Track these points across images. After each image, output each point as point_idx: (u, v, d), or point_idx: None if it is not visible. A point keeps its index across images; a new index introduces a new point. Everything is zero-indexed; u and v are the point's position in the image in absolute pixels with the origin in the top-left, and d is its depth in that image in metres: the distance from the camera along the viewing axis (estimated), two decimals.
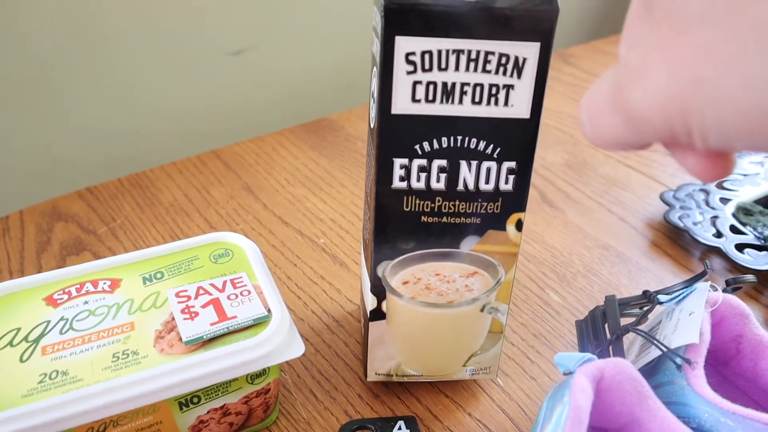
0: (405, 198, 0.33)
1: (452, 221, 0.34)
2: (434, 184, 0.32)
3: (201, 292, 0.35)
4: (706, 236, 0.52)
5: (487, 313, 0.37)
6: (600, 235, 0.55)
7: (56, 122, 0.63)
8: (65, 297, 0.36)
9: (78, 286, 0.36)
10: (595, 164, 0.66)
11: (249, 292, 0.35)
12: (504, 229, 0.34)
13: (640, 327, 0.36)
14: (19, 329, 0.34)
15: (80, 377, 0.31)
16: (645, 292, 0.37)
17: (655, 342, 0.32)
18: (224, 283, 0.36)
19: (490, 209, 0.33)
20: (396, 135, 0.31)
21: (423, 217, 0.33)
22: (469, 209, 0.33)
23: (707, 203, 0.57)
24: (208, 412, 0.34)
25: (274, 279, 0.47)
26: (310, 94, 0.79)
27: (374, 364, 0.39)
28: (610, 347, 0.35)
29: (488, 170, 0.32)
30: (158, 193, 0.59)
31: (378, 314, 0.36)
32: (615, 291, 0.49)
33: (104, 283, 0.36)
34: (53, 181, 0.66)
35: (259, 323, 0.34)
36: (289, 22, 0.73)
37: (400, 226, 0.34)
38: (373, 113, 0.33)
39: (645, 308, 0.37)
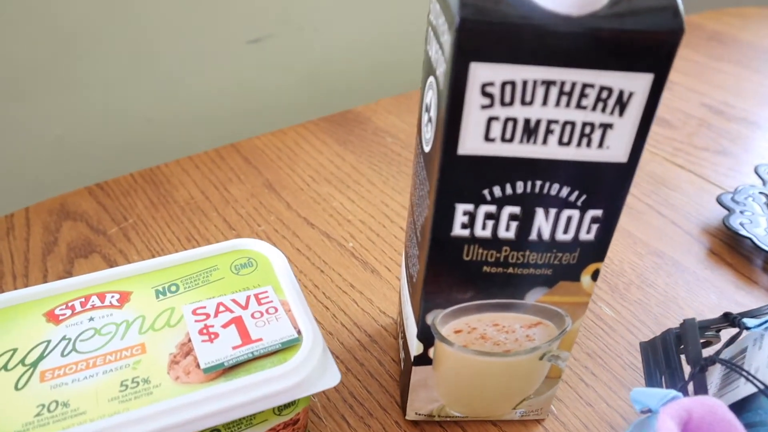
0: (466, 246, 0.28)
1: (519, 272, 0.29)
2: (502, 233, 0.27)
3: (221, 309, 0.31)
4: None
5: (547, 360, 0.32)
6: (652, 240, 0.51)
7: (65, 114, 0.59)
8: (68, 312, 0.31)
9: (83, 299, 0.32)
10: (641, 162, 0.61)
11: (276, 310, 0.31)
12: (578, 280, 0.29)
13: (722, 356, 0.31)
14: (15, 350, 0.29)
15: (83, 410, 0.27)
16: (726, 315, 0.32)
17: (752, 378, 0.28)
18: (247, 298, 0.32)
19: (564, 260, 0.28)
20: (461, 178, 0.26)
21: (485, 267, 0.28)
22: (540, 260, 0.28)
23: None
24: None
25: (301, 288, 0.42)
26: (332, 85, 0.75)
27: (415, 405, 0.34)
28: (691, 381, 0.30)
29: (569, 219, 0.27)
30: (173, 190, 0.54)
31: (423, 360, 0.32)
32: (673, 304, 0.45)
33: (112, 297, 0.32)
34: (61, 176, 0.62)
35: (288, 347, 0.29)
36: (309, 9, 0.68)
37: (456, 275, 0.29)
38: (428, 135, 0.28)
39: (722, 331, 0.33)
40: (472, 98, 0.24)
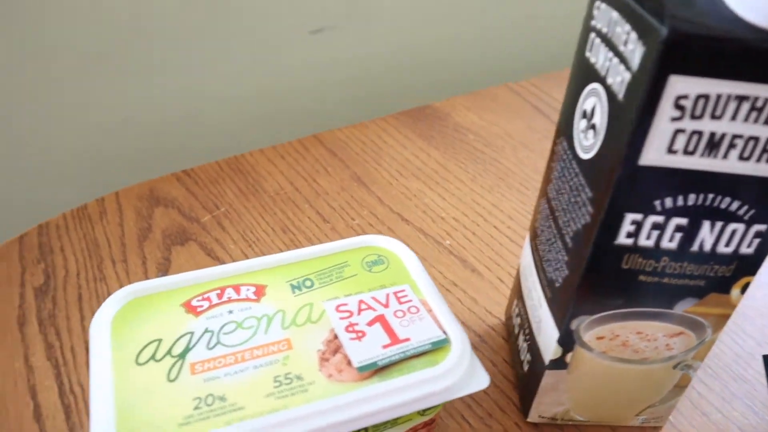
0: (626, 255, 0.27)
1: (673, 282, 0.28)
2: (665, 244, 0.27)
3: (363, 306, 0.31)
4: None
5: (680, 369, 0.32)
6: None
7: (142, 98, 0.59)
8: (205, 304, 0.31)
9: (218, 291, 0.32)
10: None
11: (417, 310, 0.31)
12: (728, 292, 0.29)
13: None
14: (160, 340, 0.29)
15: (241, 405, 0.27)
16: None
17: None
18: (387, 296, 0.32)
19: (720, 272, 0.28)
20: (637, 189, 0.25)
21: (641, 276, 0.28)
22: (696, 271, 0.28)
23: None
24: None
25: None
26: (402, 78, 0.74)
27: (540, 408, 0.34)
28: None
29: (733, 232, 0.27)
30: (261, 179, 0.54)
31: (558, 364, 0.32)
32: None
33: (247, 290, 0.32)
34: (141, 161, 0.62)
35: (437, 348, 0.29)
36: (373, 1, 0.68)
37: (611, 283, 0.28)
38: (588, 143, 0.27)
39: None
40: (664, 110, 0.23)
